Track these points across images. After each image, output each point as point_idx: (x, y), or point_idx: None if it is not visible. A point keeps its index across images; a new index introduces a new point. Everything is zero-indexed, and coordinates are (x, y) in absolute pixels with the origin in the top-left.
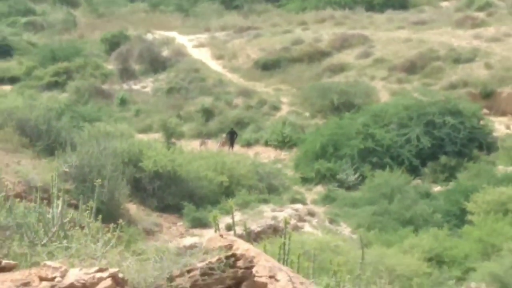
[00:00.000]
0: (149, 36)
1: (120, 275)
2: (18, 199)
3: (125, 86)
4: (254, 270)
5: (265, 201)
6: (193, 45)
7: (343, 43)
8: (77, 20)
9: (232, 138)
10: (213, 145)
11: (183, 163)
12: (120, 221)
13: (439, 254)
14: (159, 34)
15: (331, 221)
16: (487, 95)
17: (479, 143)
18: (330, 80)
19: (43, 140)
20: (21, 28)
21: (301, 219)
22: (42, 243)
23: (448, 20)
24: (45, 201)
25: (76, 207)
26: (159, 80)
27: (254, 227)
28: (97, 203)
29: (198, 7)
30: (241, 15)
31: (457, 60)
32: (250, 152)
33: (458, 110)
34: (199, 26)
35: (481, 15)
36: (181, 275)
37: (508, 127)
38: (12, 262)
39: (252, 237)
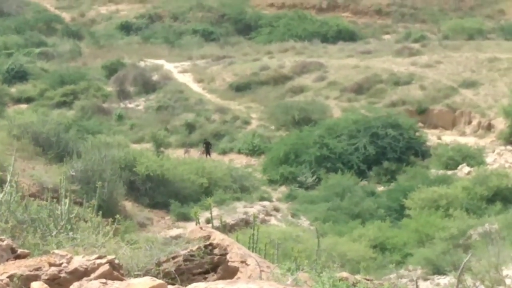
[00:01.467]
0: (142, 64)
1: (117, 261)
2: (33, 198)
3: (121, 105)
4: (228, 256)
5: (238, 199)
6: (178, 71)
7: (303, 69)
8: (82, 51)
9: (207, 147)
10: (195, 153)
11: (170, 168)
12: (117, 216)
13: (382, 242)
14: (150, 61)
15: (293, 215)
16: (422, 112)
17: (415, 150)
18: (291, 99)
19: (53, 149)
20: (35, 57)
21: (268, 214)
22: (52, 234)
23: (390, 49)
24: (55, 200)
25: (81, 204)
26: (150, 99)
27: (229, 220)
28: (98, 201)
29: (182, 39)
30: (218, 46)
31: (397, 83)
32: (226, 158)
33: (398, 123)
34: (183, 55)
35: (416, 45)
36: (167, 260)
37: (439, 138)
38: (26, 250)
39: (227, 229)
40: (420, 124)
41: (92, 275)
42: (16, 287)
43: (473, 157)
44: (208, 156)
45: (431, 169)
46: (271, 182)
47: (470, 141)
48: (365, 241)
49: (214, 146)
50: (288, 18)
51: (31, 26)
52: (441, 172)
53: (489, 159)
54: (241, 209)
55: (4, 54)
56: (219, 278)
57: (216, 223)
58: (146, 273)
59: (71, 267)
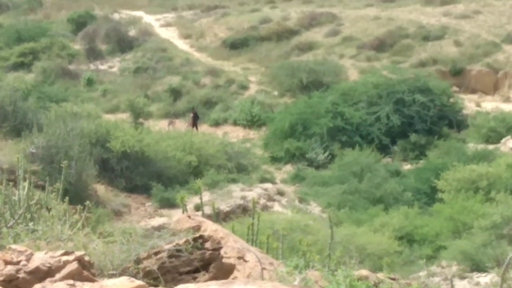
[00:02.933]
0: (116, 16)
1: (87, 258)
2: None
3: (92, 66)
4: (222, 251)
5: (234, 181)
6: (160, 25)
7: (312, 22)
8: (43, 0)
9: (194, 118)
10: (181, 124)
11: (151, 143)
12: (88, 202)
13: (410, 233)
14: (126, 13)
15: (301, 200)
16: (457, 73)
17: (449, 121)
18: (298, 58)
19: (9, 121)
20: None
21: (270, 199)
22: (8, 225)
23: None
24: (11, 183)
25: (43, 188)
26: (126, 60)
27: (223, 207)
28: (64, 184)
29: None
30: None
31: (426, 38)
32: (219, 131)
33: (428, 87)
34: (166, 5)
35: None
36: (148, 257)
37: (478, 105)
38: None
39: (220, 217)
40: (455, 88)
41: (57, 275)
42: None
43: None
44: (195, 128)
45: (469, 143)
46: (274, 160)
47: None
48: (388, 232)
49: (204, 116)
50: None
51: None
52: (480, 146)
53: None
54: (237, 193)
55: None
56: (211, 278)
57: (208, 210)
58: (123, 272)
59: (32, 265)
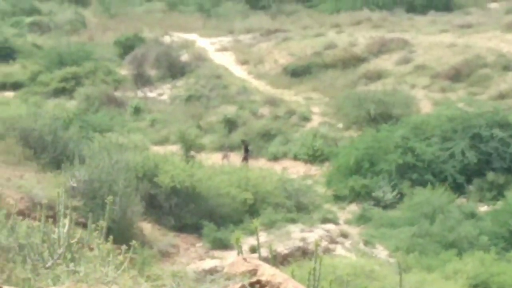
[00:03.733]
0: (167, 39)
1: None
2: (21, 217)
3: (139, 94)
4: None
5: (293, 221)
6: (215, 49)
7: (381, 48)
8: (87, 21)
9: (245, 150)
10: (236, 158)
11: (203, 178)
12: (133, 242)
13: (486, 281)
14: (178, 36)
15: (366, 243)
16: None
17: None
18: (366, 88)
19: (48, 152)
20: (26, 28)
21: (333, 241)
22: (47, 266)
23: (497, 23)
24: (50, 220)
25: (84, 226)
26: (177, 87)
27: (281, 249)
28: (108, 222)
29: (221, 7)
30: (268, 16)
31: (506, 67)
32: (277, 166)
33: (508, 122)
34: (222, 28)
35: None
36: None
37: None
38: None
39: (278, 260)
40: None
41: None
42: None
43: None
44: (245, 162)
45: None
46: (338, 198)
47: None
48: (462, 279)
49: (261, 149)
50: None
51: None
52: None
53: None
54: (297, 234)
55: None
56: None
57: (264, 252)
58: None
59: None
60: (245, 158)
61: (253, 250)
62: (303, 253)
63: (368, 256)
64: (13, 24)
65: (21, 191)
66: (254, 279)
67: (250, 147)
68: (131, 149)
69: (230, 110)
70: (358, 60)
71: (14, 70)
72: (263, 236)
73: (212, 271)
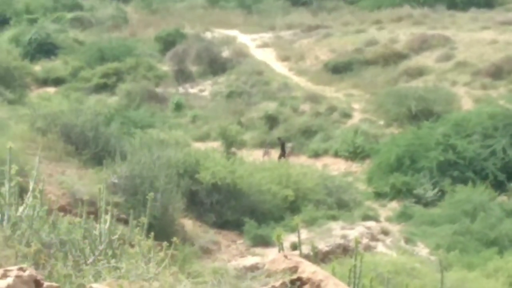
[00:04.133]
0: (208, 35)
1: None
2: (62, 213)
3: (181, 90)
4: None
5: (334, 218)
6: (256, 45)
7: (422, 45)
8: (129, 17)
9: (282, 147)
10: (277, 155)
11: (244, 175)
12: (175, 238)
13: None
14: (219, 32)
15: (407, 241)
16: None
17: None
18: (407, 85)
19: (90, 148)
20: (67, 24)
21: (373, 238)
22: (88, 262)
23: None
24: (91, 216)
25: (126, 222)
26: (218, 83)
27: (322, 246)
28: (149, 219)
29: (262, 4)
30: (309, 12)
31: None
32: (318, 163)
33: None
34: (263, 25)
35: None
36: None
37: None
38: (54, 284)
39: (319, 257)
40: None
41: None
42: None
43: None
44: (282, 158)
45: None
46: (379, 195)
47: None
48: (503, 277)
49: (302, 146)
50: None
51: None
52: None
53: None
54: (338, 232)
55: (26, 20)
56: None
57: (305, 249)
58: None
59: None
60: (282, 156)
61: (294, 247)
62: (344, 250)
63: (409, 253)
64: (55, 20)
65: (63, 187)
66: (295, 276)
67: (289, 144)
68: (172, 145)
69: (271, 106)
70: (399, 56)
71: (55, 65)
72: (304, 233)
73: (253, 268)
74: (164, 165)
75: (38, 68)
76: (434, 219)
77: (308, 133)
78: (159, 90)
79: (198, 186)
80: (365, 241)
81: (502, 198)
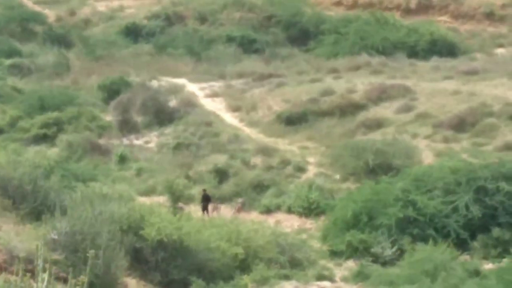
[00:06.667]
0: (154, 83)
1: None
2: None
3: (125, 141)
4: None
5: (287, 278)
6: (206, 94)
7: (381, 95)
8: (71, 63)
9: (205, 201)
10: (227, 211)
11: (191, 231)
12: None
13: None
14: (166, 81)
15: None
16: None
17: None
18: (365, 137)
19: (28, 203)
20: (5, 71)
21: None
22: None
23: (504, 70)
24: (28, 274)
25: (65, 281)
26: (165, 134)
27: None
28: (90, 277)
29: (212, 51)
30: (262, 60)
31: None
32: (270, 219)
33: None
34: (213, 73)
35: None
36: None
37: None
38: None
39: None
40: None
41: None
42: None
43: None
44: (206, 213)
45: None
46: (334, 254)
47: None
48: None
49: (253, 201)
50: (362, 22)
51: None
52: None
53: None
54: None
55: None
56: None
57: None
58: None
59: None
60: (205, 208)
61: None
62: None
63: None
64: None
65: None
66: None
67: (240, 200)
68: (116, 199)
69: (220, 159)
70: (357, 107)
71: None
72: None
73: None
74: (107, 220)
75: None
76: (392, 279)
77: (259, 187)
78: (102, 141)
79: (142, 243)
80: None
81: (465, 257)
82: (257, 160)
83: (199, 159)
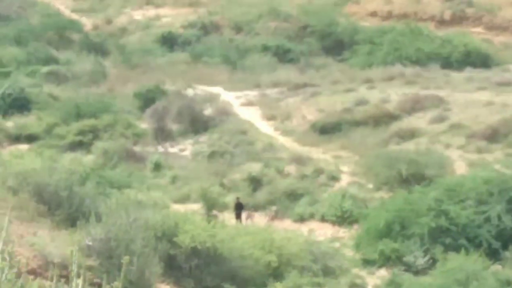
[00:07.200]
0: (190, 92)
1: None
2: (32, 276)
3: (160, 149)
4: None
5: (319, 286)
6: (241, 103)
7: (415, 105)
8: (107, 71)
9: (238, 209)
10: (261, 219)
11: (225, 239)
12: None
13: None
14: (201, 89)
15: None
16: None
17: None
18: (398, 147)
19: (63, 209)
20: (42, 78)
21: None
22: None
23: None
24: (63, 279)
25: (99, 286)
26: (199, 142)
27: None
28: (124, 283)
29: (247, 60)
30: (296, 69)
31: None
32: (304, 228)
33: None
34: (248, 82)
35: None
36: None
37: None
38: None
39: None
40: None
41: None
42: None
43: None
44: (239, 221)
45: None
46: (367, 262)
47: None
48: None
49: (287, 210)
50: (396, 33)
51: (37, 36)
52: None
53: None
54: None
55: None
56: None
57: None
58: None
59: None
60: (239, 216)
61: None
62: None
63: None
64: (29, 74)
65: (34, 249)
66: None
67: (273, 208)
68: (150, 207)
69: (255, 167)
70: (390, 117)
71: (29, 121)
72: None
73: None
74: (141, 227)
75: (10, 124)
76: None
77: (293, 196)
78: (137, 149)
79: (176, 250)
80: None
81: (497, 267)
82: (291, 168)
83: (234, 167)
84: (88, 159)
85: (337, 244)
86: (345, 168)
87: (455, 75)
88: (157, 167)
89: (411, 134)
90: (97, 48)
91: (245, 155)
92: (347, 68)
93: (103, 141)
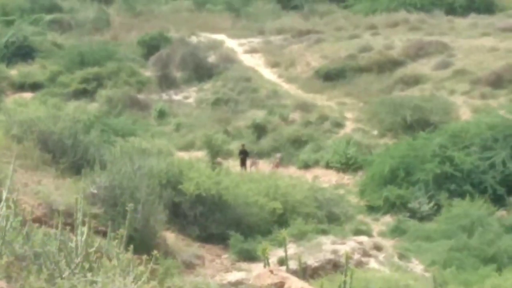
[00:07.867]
0: (194, 39)
1: None
2: (37, 224)
3: (164, 96)
4: None
5: (324, 232)
6: (245, 50)
7: (419, 51)
8: (111, 19)
9: (244, 157)
10: (265, 166)
11: (230, 186)
12: (155, 252)
13: None
14: (205, 36)
15: (401, 257)
16: None
17: None
18: (402, 93)
19: (68, 157)
20: (46, 27)
21: (365, 254)
22: (63, 276)
23: None
24: (68, 227)
25: (104, 234)
26: (203, 89)
27: (311, 261)
28: (129, 231)
29: (251, 7)
30: (300, 16)
31: None
32: (308, 175)
33: None
34: (252, 29)
35: None
36: None
37: None
38: None
39: (308, 273)
40: None
41: None
42: None
43: None
44: (244, 168)
45: None
46: (371, 209)
47: None
48: None
49: (291, 157)
50: None
51: None
52: None
53: None
54: (328, 246)
55: (3, 21)
56: None
57: (293, 265)
58: None
59: None
60: (244, 163)
61: (281, 262)
62: (334, 266)
63: (402, 270)
64: (33, 22)
65: (39, 197)
66: None
67: (278, 155)
68: (155, 154)
69: (259, 114)
70: (395, 64)
71: (33, 70)
72: (292, 248)
73: (237, 284)
74: (146, 175)
75: (14, 72)
76: (429, 234)
77: (298, 143)
78: (141, 96)
79: (181, 197)
80: (356, 256)
81: (501, 213)
82: (295, 115)
83: (238, 115)
84: (92, 107)
85: (341, 191)
86: (349, 114)
87: (459, 21)
88: (161, 114)
89: (416, 80)
90: None
91: (249, 102)
92: (351, 14)
93: (107, 89)
